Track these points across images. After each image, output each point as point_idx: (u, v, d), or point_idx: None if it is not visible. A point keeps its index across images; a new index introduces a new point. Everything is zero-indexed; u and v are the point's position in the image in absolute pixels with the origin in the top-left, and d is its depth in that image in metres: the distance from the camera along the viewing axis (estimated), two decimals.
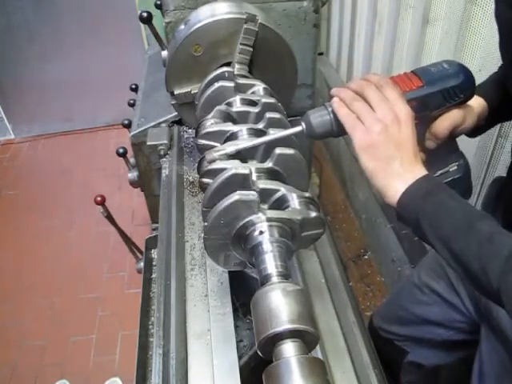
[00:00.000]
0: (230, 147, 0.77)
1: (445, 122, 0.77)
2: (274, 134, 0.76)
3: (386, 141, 0.66)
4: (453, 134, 0.80)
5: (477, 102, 0.82)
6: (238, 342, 1.00)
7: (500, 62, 0.84)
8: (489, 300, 0.61)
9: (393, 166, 0.66)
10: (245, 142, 0.79)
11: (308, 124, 0.74)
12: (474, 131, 0.85)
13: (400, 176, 0.66)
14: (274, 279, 0.63)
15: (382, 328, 1.27)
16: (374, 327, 1.30)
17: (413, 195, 0.65)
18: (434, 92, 0.74)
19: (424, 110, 0.74)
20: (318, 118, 0.73)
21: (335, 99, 0.72)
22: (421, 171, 0.67)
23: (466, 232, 0.59)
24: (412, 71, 0.76)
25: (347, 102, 0.70)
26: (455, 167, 0.82)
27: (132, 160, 1.71)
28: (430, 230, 0.63)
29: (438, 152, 0.80)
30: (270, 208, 0.72)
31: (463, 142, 0.85)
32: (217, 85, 0.93)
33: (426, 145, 0.79)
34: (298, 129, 0.75)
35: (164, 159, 1.35)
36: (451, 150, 0.83)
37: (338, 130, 0.72)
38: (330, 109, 0.73)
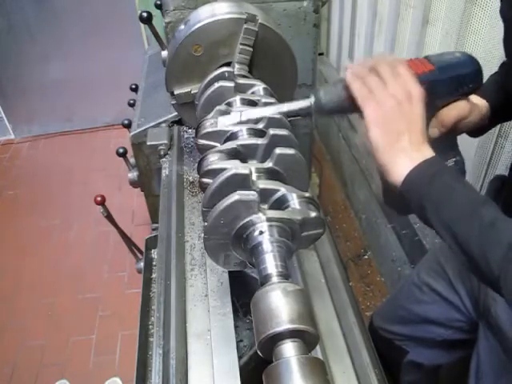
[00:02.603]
0: (237, 114, 0.76)
1: (452, 111, 0.78)
2: (284, 105, 0.75)
3: (398, 116, 0.66)
4: (456, 127, 0.80)
5: (479, 102, 0.83)
6: (238, 342, 1.00)
7: (500, 62, 0.84)
8: (489, 287, 0.61)
9: (402, 143, 0.66)
10: (253, 110, 0.78)
11: (318, 98, 0.73)
12: (477, 130, 0.85)
13: (407, 153, 0.66)
14: (274, 279, 0.63)
15: (382, 328, 1.27)
16: (375, 327, 1.30)
17: (419, 175, 0.64)
18: (445, 78, 0.74)
19: (432, 95, 0.74)
20: (328, 92, 0.72)
21: (349, 72, 0.71)
22: (429, 152, 0.66)
23: (469, 217, 0.59)
24: (424, 56, 0.76)
25: (361, 76, 0.70)
26: (452, 163, 0.83)
27: (132, 160, 1.71)
28: (433, 212, 0.62)
29: (438, 146, 0.80)
30: (270, 208, 0.72)
31: (463, 141, 0.85)
32: (217, 85, 0.93)
33: (430, 133, 0.79)
34: (307, 103, 0.74)
35: (164, 159, 1.35)
36: (451, 145, 0.84)
37: (348, 106, 0.72)
38: (341, 84, 0.72)
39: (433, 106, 0.76)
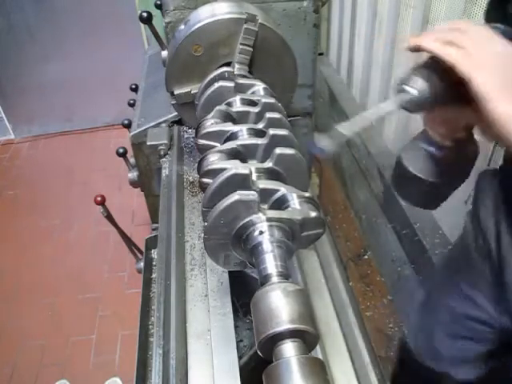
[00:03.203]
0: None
1: None
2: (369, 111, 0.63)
3: (506, 59, 0.56)
4: None
5: None
6: (238, 342, 1.00)
7: None
8: None
9: None
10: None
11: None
12: None
13: None
14: (274, 279, 0.63)
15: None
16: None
17: None
18: None
19: None
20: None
21: (423, 38, 0.62)
22: None
23: None
24: None
25: (440, 38, 0.60)
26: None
27: (132, 160, 1.71)
28: None
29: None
30: (270, 208, 0.72)
31: None
32: (217, 85, 0.93)
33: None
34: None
35: (164, 159, 1.35)
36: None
37: (440, 95, 0.61)
38: (418, 79, 0.62)
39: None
